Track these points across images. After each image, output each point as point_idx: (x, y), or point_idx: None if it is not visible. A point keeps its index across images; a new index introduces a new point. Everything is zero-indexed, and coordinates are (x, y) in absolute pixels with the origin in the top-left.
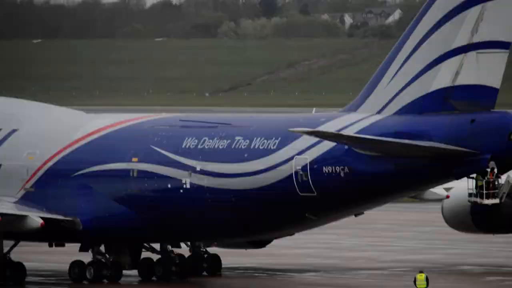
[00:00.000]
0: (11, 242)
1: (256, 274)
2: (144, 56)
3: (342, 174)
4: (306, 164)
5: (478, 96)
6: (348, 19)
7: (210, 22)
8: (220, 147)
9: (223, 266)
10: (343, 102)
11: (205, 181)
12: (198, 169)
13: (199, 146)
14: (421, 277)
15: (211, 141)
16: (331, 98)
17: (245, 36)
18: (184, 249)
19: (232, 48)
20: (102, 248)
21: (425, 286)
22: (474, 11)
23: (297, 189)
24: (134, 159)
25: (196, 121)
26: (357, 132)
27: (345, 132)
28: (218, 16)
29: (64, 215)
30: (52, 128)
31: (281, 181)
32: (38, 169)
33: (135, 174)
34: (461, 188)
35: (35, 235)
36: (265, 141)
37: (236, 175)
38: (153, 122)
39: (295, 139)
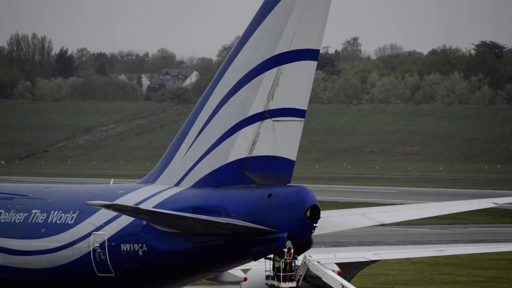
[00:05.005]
0: None
1: None
2: None
3: (140, 253)
4: (104, 241)
5: (275, 168)
6: (145, 80)
7: (5, 80)
8: (17, 221)
9: None
10: (140, 173)
11: (0, 260)
12: None
13: None
14: None
15: (7, 214)
16: (128, 168)
17: (42, 97)
18: None
19: (28, 111)
20: None
21: None
22: (270, 74)
23: (95, 269)
24: None
25: None
26: (155, 207)
27: (143, 206)
28: (15, 75)
29: None
30: None
31: (78, 259)
32: None
33: None
34: (259, 270)
35: None
36: (63, 215)
37: (32, 252)
38: None
39: (93, 213)
